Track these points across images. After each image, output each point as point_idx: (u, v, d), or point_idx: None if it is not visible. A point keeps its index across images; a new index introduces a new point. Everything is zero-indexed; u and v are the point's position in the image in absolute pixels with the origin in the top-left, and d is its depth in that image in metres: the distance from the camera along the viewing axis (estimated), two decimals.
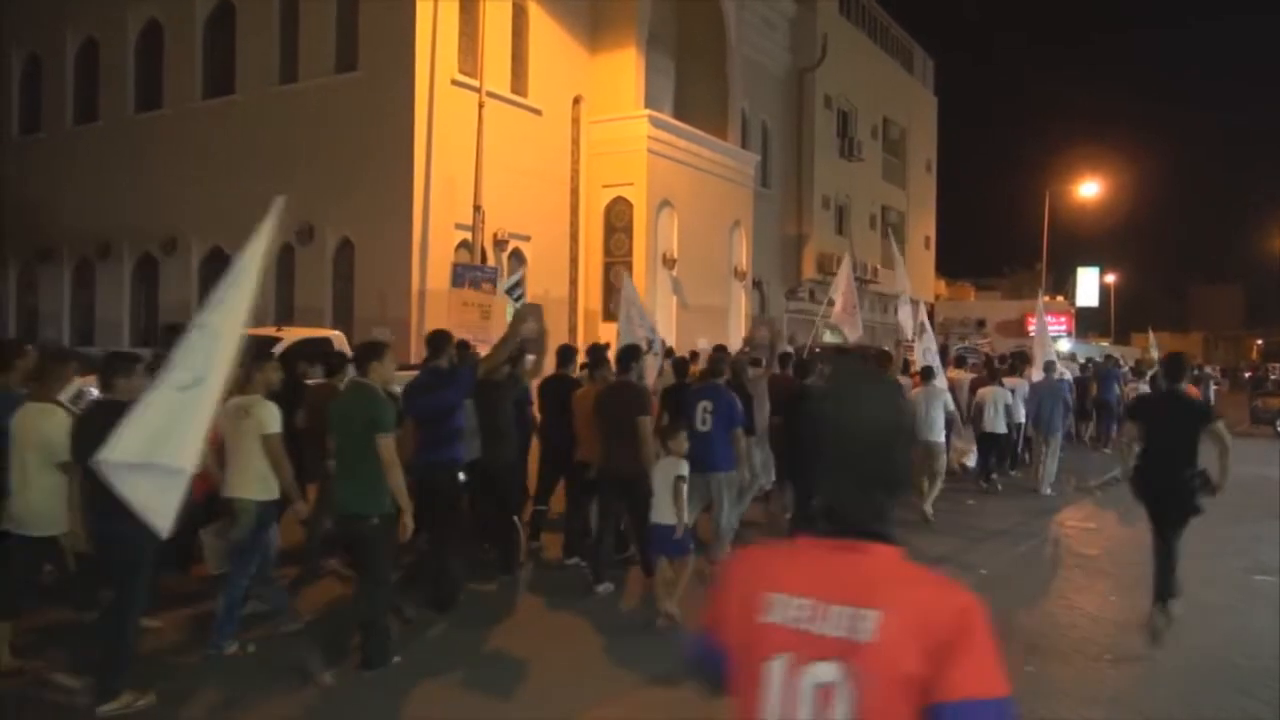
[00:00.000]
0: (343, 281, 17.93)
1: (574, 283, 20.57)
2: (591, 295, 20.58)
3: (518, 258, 19.04)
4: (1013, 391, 13.29)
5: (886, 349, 14.60)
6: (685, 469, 6.51)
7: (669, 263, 20.77)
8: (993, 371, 14.08)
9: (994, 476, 13.02)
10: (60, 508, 5.06)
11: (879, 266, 32.98)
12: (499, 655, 5.97)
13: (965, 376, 14.57)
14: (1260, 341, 75.78)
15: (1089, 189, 37.88)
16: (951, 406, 11.38)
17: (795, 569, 1.57)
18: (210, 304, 4.56)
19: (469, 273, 14.85)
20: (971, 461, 12.77)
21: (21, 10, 23.17)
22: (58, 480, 5.06)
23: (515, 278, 10.75)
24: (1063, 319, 44.22)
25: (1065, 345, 34.74)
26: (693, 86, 23.52)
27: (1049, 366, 14.13)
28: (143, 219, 20.45)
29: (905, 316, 13.90)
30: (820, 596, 1.51)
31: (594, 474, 7.68)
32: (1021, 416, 13.37)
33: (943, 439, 10.96)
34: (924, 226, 38.86)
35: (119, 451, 4.12)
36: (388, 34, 17.00)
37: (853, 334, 14.16)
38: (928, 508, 10.53)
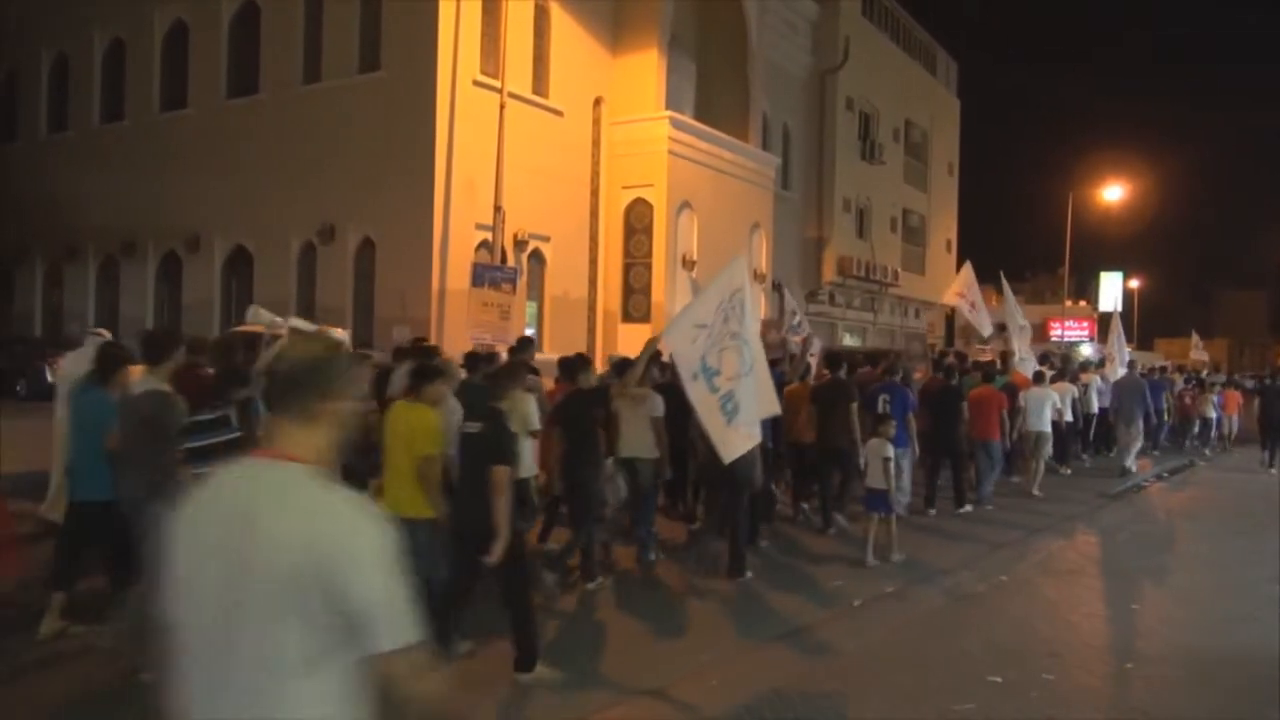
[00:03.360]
0: (364, 281, 18.02)
1: (593, 283, 20.59)
2: (611, 296, 20.59)
3: (537, 258, 19.10)
4: (1086, 387, 16.11)
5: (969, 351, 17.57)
6: (891, 450, 8.51)
7: (688, 264, 20.75)
8: (1038, 376, 15.34)
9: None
10: (532, 460, 7.03)
11: (899, 270, 32.85)
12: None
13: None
14: None
15: (1113, 193, 37.50)
16: (1059, 404, 13.65)
17: None
18: (733, 321, 7.28)
19: (489, 273, 14.88)
20: None
21: (50, 11, 23.45)
22: (530, 442, 7.09)
23: (798, 316, 13.70)
24: (1085, 324, 43.83)
25: (1087, 350, 34.43)
26: (714, 88, 23.48)
27: (1131, 365, 17.19)
28: (167, 217, 20.64)
29: (1019, 346, 16.48)
30: None
31: (814, 450, 9.93)
32: (1070, 415, 15.10)
33: (1049, 430, 13.12)
34: (945, 230, 38.63)
35: (744, 416, 7.14)
36: (410, 35, 17.09)
37: (984, 331, 16.26)
38: (1036, 490, 12.80)
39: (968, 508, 11.30)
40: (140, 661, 4.82)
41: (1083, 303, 49.27)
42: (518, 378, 5.89)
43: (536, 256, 19.09)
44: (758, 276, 23.65)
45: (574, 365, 8.02)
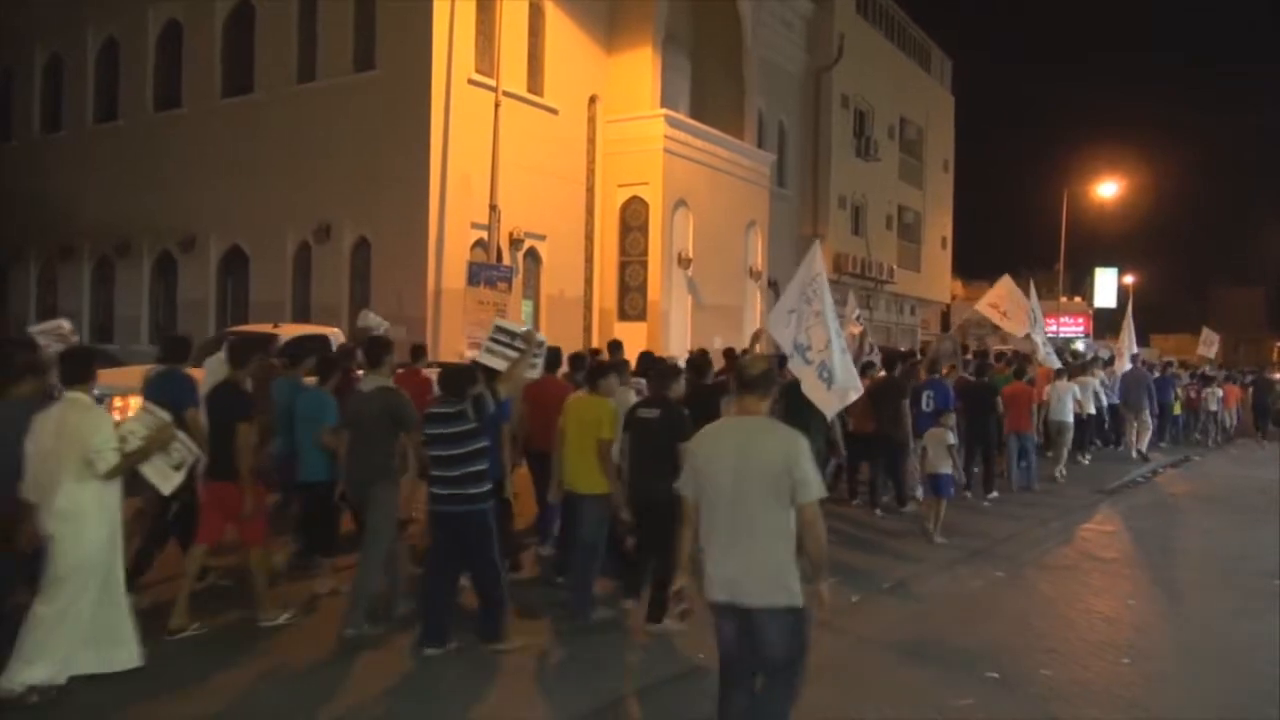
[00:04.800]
0: (359, 280, 17.99)
1: (589, 282, 20.57)
2: (607, 294, 20.58)
3: (533, 256, 19.08)
4: (1102, 383, 16.71)
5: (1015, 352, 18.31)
6: (952, 438, 9.64)
7: (684, 262, 20.74)
8: (1059, 371, 15.99)
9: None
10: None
11: (895, 267, 32.88)
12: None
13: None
14: None
15: (1108, 189, 37.56)
16: (1079, 396, 14.61)
17: None
18: (815, 301, 8.45)
19: (484, 271, 14.89)
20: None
21: (43, 10, 23.38)
22: None
23: (856, 312, 14.03)
24: (1080, 320, 43.91)
25: (1081, 346, 34.50)
26: (709, 86, 23.48)
27: (1135, 359, 18.38)
28: (162, 217, 20.60)
29: (1041, 342, 16.68)
30: None
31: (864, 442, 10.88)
32: (1092, 408, 15.78)
33: (1070, 420, 14.12)
34: (941, 227, 38.66)
35: (839, 380, 8.29)
36: (405, 33, 17.06)
37: (1019, 331, 16.36)
38: (1059, 471, 13.83)
39: (994, 494, 12.14)
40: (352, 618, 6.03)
41: (1078, 299, 49.31)
42: (676, 374, 6.98)
43: (532, 255, 19.08)
44: (753, 274, 23.69)
45: (699, 363, 9.31)
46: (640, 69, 20.43)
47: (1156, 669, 6.11)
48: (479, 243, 17.05)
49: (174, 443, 5.50)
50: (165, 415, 5.54)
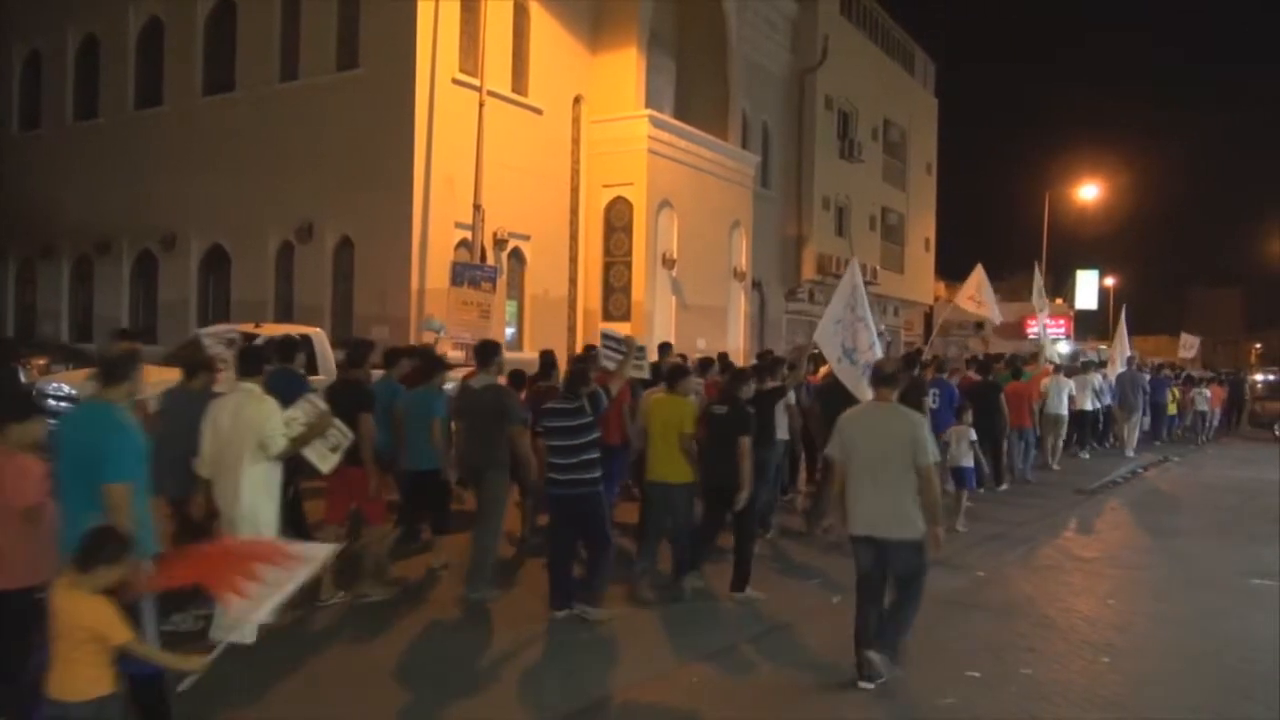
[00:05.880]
0: (343, 280, 17.89)
1: (573, 282, 20.54)
2: (591, 294, 20.55)
3: (517, 256, 19.04)
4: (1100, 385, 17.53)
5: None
6: (973, 434, 10.47)
7: (668, 263, 20.74)
8: (1056, 368, 17.03)
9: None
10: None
11: (878, 268, 33.00)
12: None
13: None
14: (1259, 346, 75.76)
15: (1088, 191, 37.84)
16: (1074, 392, 15.73)
17: None
18: (859, 308, 9.30)
19: (468, 271, 14.82)
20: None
21: (23, 6, 23.15)
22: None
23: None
24: (1061, 322, 44.18)
25: (1064, 348, 34.75)
26: (693, 86, 23.49)
27: (1129, 361, 19.11)
28: (142, 216, 20.42)
29: (1047, 345, 17.95)
30: None
31: None
32: (1089, 405, 16.90)
33: (1065, 413, 15.31)
34: (924, 228, 38.81)
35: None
36: (389, 32, 16.98)
37: (996, 321, 17.04)
38: (1055, 464, 15.23)
39: (1004, 486, 13.05)
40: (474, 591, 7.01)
41: (1058, 301, 49.63)
42: (747, 378, 7.96)
43: (516, 255, 19.03)
44: (738, 274, 23.71)
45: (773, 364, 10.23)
46: (625, 69, 20.41)
47: (1136, 668, 6.16)
48: (463, 243, 16.99)
49: (330, 429, 6.17)
50: (323, 405, 6.19)
